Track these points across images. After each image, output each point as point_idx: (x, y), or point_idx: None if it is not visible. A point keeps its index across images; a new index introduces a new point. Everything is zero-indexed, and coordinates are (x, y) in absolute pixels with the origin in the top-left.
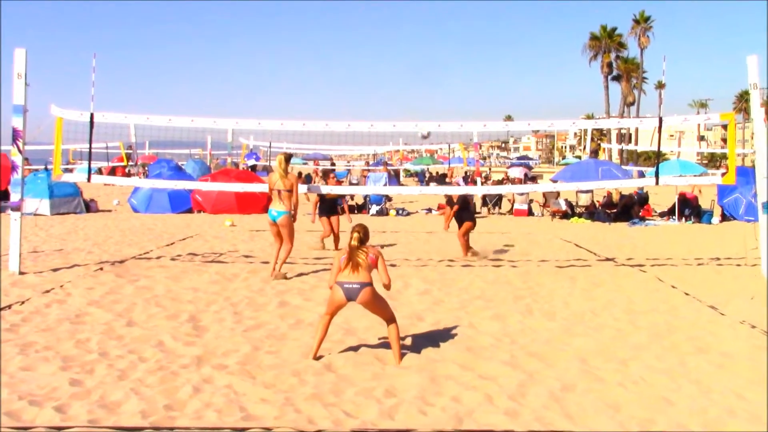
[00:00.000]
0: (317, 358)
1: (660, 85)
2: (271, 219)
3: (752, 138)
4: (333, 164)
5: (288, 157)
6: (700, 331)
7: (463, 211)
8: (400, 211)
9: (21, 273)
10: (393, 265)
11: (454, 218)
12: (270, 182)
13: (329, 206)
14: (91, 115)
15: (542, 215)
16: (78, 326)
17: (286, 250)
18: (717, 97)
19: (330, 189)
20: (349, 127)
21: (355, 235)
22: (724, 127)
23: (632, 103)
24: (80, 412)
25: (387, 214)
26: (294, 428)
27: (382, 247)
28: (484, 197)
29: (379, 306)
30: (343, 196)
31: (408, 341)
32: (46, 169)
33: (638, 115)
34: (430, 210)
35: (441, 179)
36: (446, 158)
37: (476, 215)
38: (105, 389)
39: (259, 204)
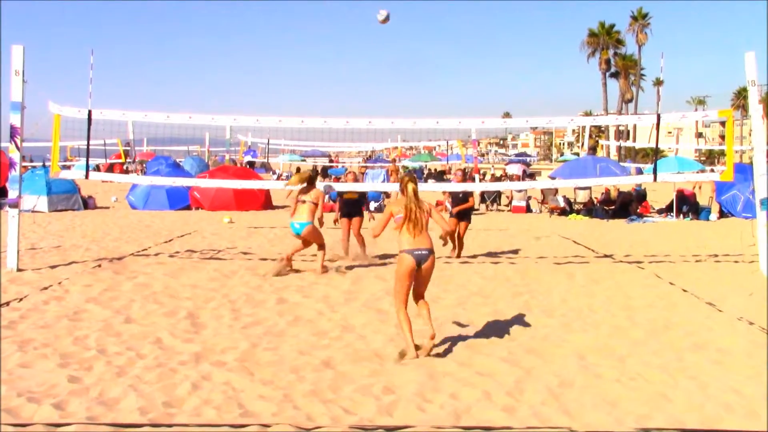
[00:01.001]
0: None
1: (658, 82)
2: (295, 233)
3: (750, 135)
4: (332, 161)
5: (315, 178)
6: (698, 328)
7: (462, 211)
8: None
9: (19, 270)
10: (390, 263)
11: (452, 218)
12: (294, 191)
13: (351, 206)
14: (89, 112)
15: (540, 212)
16: (76, 323)
17: (322, 253)
18: (715, 94)
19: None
20: (348, 123)
21: (411, 186)
22: (723, 124)
23: (630, 100)
24: (79, 408)
25: None
26: (292, 425)
27: (382, 257)
28: (482, 194)
29: (430, 274)
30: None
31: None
32: (44, 165)
33: (636, 112)
34: None
35: (439, 176)
36: (444, 155)
37: (474, 212)
38: (103, 386)
39: (257, 201)
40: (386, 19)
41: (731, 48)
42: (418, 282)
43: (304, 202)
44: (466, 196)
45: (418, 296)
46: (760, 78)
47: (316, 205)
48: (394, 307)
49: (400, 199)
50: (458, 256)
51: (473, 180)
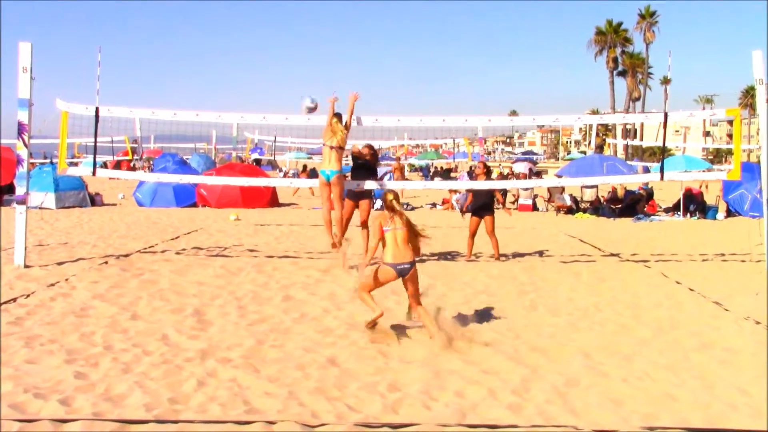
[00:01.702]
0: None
1: (665, 81)
2: (325, 178)
3: (758, 133)
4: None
5: (340, 116)
6: (704, 327)
7: (485, 206)
8: (404, 206)
9: (26, 266)
10: None
11: (474, 215)
12: (325, 134)
13: (356, 194)
14: (97, 109)
15: (547, 210)
16: (83, 319)
17: (338, 219)
18: (723, 93)
19: None
20: (354, 121)
21: (394, 202)
22: (730, 122)
23: (637, 99)
24: (85, 405)
25: None
26: (297, 422)
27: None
28: None
29: (417, 283)
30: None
31: (412, 336)
32: (51, 162)
33: (643, 111)
34: (434, 205)
35: (446, 174)
36: (451, 153)
37: None
38: (109, 382)
39: (263, 198)
40: (312, 109)
41: (739, 46)
42: (409, 292)
43: (332, 148)
44: (491, 191)
45: (415, 303)
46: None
47: (342, 149)
48: (358, 294)
49: (385, 213)
50: (497, 256)
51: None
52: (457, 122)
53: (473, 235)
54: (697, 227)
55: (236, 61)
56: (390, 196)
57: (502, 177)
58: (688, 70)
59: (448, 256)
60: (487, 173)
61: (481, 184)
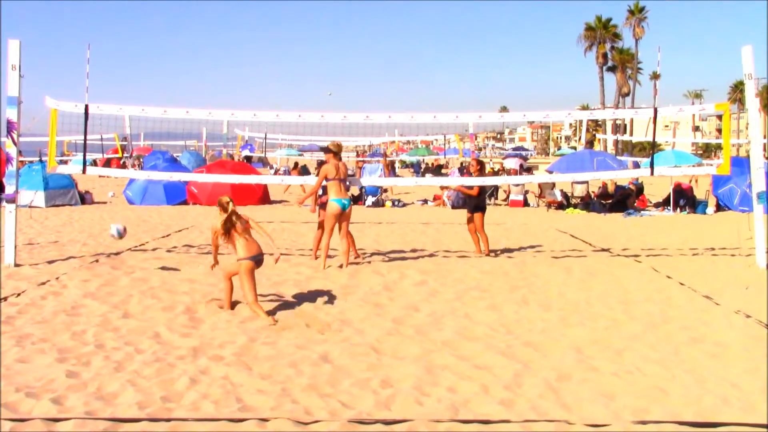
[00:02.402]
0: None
1: (655, 76)
2: (341, 207)
3: (747, 128)
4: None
5: (325, 149)
6: (695, 321)
7: (477, 203)
8: (396, 203)
9: (16, 265)
10: (391, 257)
11: (468, 213)
12: (330, 172)
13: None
14: (86, 107)
15: (538, 206)
16: (74, 318)
17: (352, 242)
18: (712, 88)
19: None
20: (345, 118)
21: (230, 206)
22: (719, 117)
23: (627, 94)
24: (77, 403)
25: (383, 205)
26: (291, 419)
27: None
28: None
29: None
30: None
31: (405, 332)
32: (40, 160)
33: (633, 106)
34: (425, 201)
35: (437, 170)
36: (442, 149)
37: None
38: (101, 381)
39: (254, 196)
40: (120, 236)
41: (728, 42)
42: (254, 282)
43: (340, 180)
44: (473, 186)
45: (255, 295)
46: (756, 71)
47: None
48: (250, 301)
49: (219, 222)
50: (487, 252)
51: (470, 174)
52: (448, 118)
53: (473, 231)
54: (687, 222)
55: (226, 59)
56: (225, 199)
57: (493, 173)
58: (677, 65)
59: (439, 252)
60: (481, 169)
61: (474, 180)
